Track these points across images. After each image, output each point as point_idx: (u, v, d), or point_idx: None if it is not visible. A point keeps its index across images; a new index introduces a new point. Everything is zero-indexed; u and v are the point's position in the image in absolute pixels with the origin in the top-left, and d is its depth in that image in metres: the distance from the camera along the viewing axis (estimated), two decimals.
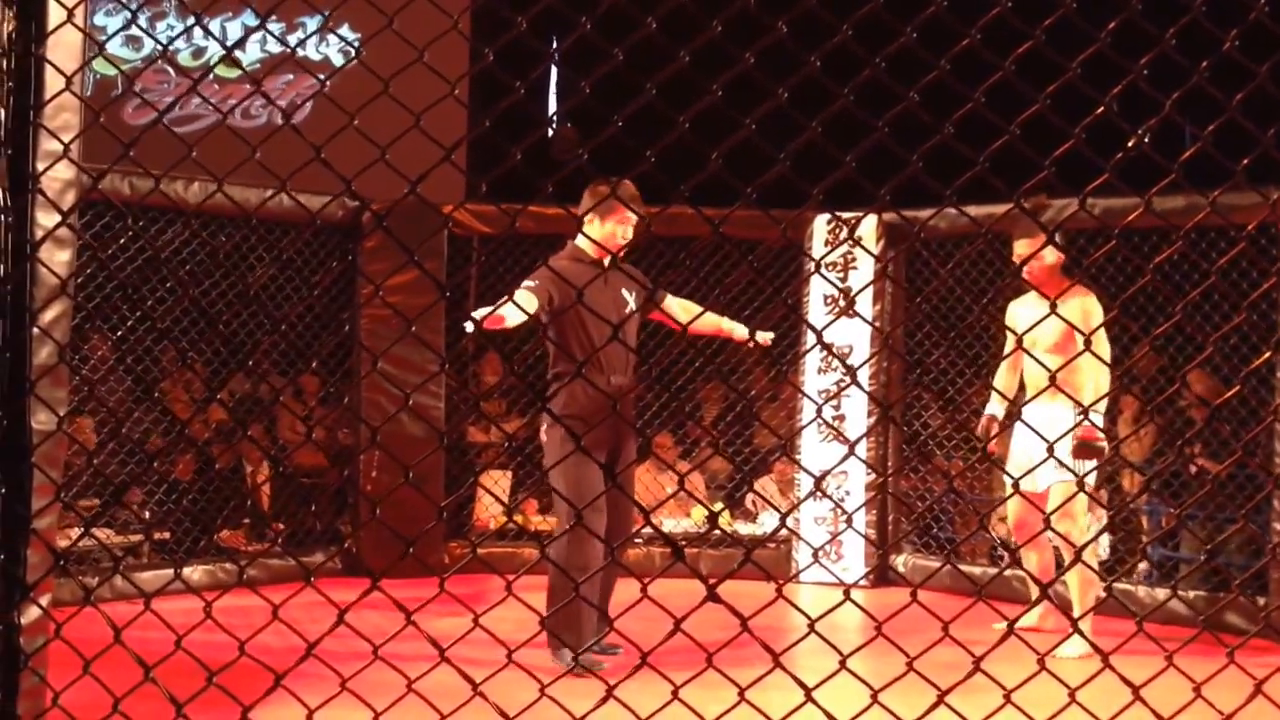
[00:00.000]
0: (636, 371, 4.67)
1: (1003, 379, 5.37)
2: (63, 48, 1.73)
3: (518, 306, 4.10)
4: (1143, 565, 6.14)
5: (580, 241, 4.59)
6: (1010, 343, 5.25)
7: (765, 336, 4.79)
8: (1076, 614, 4.79)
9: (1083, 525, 5.08)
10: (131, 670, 1.75)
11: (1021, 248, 5.04)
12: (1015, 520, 5.26)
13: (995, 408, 5.30)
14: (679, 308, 4.79)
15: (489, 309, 4.13)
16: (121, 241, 5.79)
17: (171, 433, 6.62)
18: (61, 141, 1.70)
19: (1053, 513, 4.64)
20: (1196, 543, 5.86)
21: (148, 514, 6.16)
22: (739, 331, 4.78)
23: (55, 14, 1.68)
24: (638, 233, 4.63)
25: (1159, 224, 4.64)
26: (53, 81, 1.72)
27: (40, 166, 1.69)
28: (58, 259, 1.78)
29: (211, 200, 5.80)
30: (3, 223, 1.52)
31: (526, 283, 4.45)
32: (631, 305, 4.58)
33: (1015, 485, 4.77)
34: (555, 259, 4.62)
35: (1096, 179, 1.59)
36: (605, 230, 4.53)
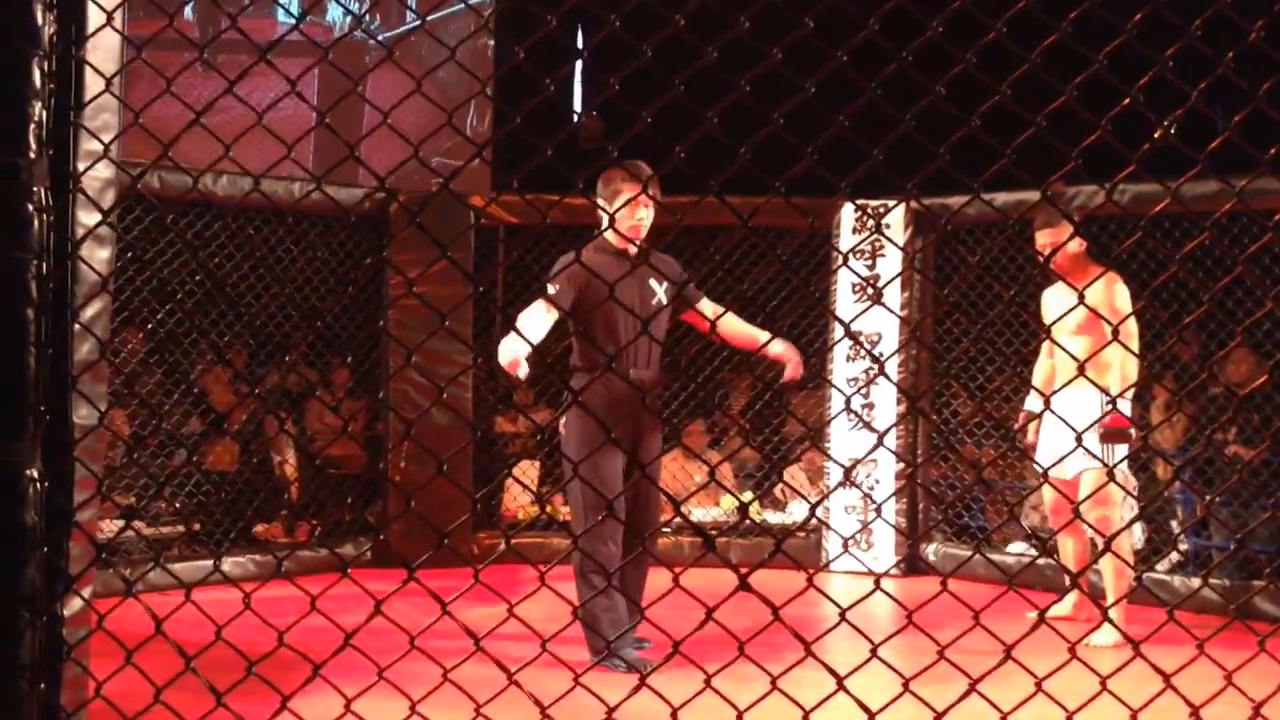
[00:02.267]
0: (663, 365, 4.58)
1: (1040, 369, 5.35)
2: (102, 50, 1.76)
3: (522, 335, 4.00)
4: (1176, 554, 6.11)
5: (607, 232, 4.47)
6: (1046, 317, 5.23)
7: (793, 361, 4.45)
8: (1109, 602, 4.78)
9: (1118, 513, 5.06)
10: (171, 660, 1.78)
11: (1043, 237, 5.00)
12: (1051, 508, 5.28)
13: (1032, 403, 5.29)
14: (712, 311, 4.57)
15: (510, 349, 4.00)
16: (151, 235, 5.84)
17: (205, 425, 6.69)
18: (101, 141, 1.73)
19: (1083, 500, 4.63)
20: (1227, 531, 5.83)
21: (178, 506, 6.23)
22: (774, 347, 4.51)
23: (94, 16, 1.71)
24: (658, 216, 4.52)
25: (1188, 211, 4.62)
26: (92, 82, 1.75)
27: (81, 166, 1.73)
28: (98, 257, 1.81)
29: (238, 192, 5.84)
30: (45, 222, 1.55)
31: (549, 287, 4.35)
32: (660, 297, 4.45)
33: (1044, 474, 4.76)
34: (584, 249, 4.51)
35: (1124, 168, 1.59)
36: (619, 218, 4.35)
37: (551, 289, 4.33)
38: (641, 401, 4.19)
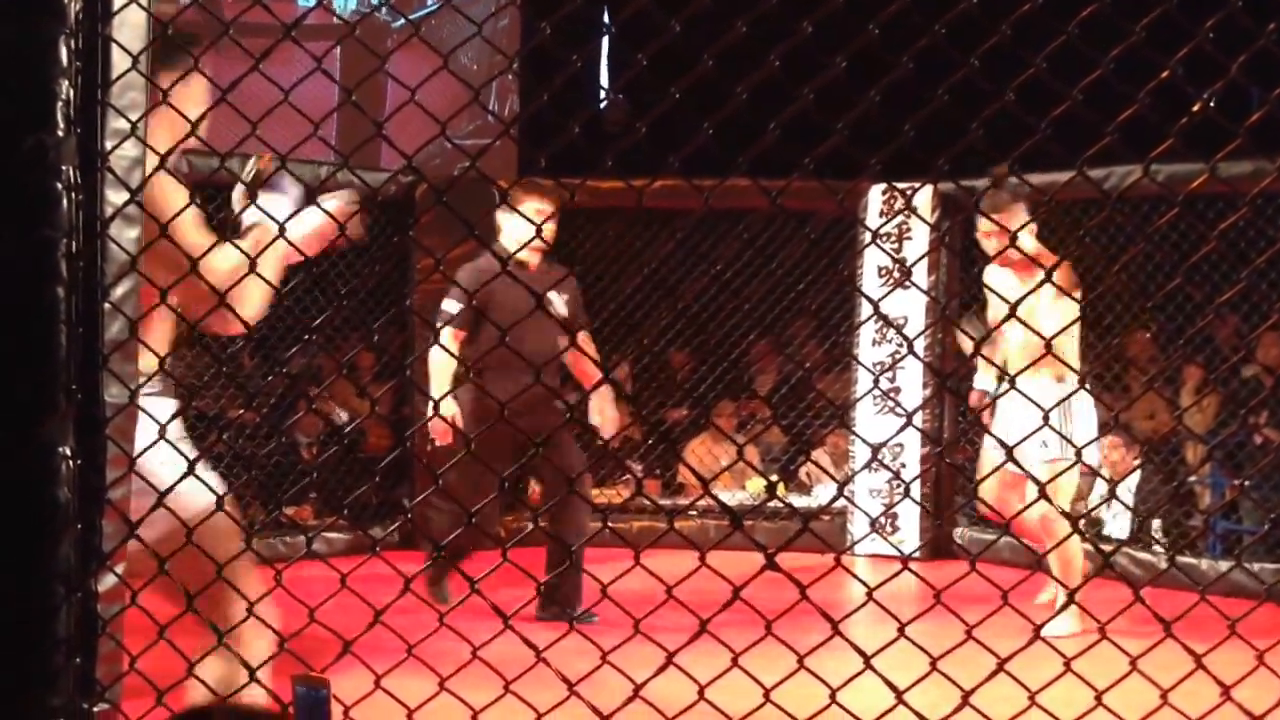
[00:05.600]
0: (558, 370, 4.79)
1: (992, 350, 5.14)
2: (128, 27, 1.76)
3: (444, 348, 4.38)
4: (1154, 532, 6.06)
5: (511, 246, 4.72)
6: (992, 308, 5.04)
7: (608, 421, 4.83)
8: (1063, 593, 4.65)
9: (1061, 504, 4.93)
10: (204, 637, 1.80)
11: (988, 223, 4.73)
12: (995, 498, 5.07)
13: (985, 381, 5.14)
14: (580, 337, 4.87)
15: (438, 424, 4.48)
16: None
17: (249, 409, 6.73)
18: (129, 120, 1.74)
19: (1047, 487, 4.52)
20: (1260, 514, 5.78)
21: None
22: (594, 404, 4.87)
23: None
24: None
25: (1225, 190, 4.54)
26: (118, 60, 1.75)
27: (108, 145, 1.73)
28: (127, 236, 1.82)
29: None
30: (73, 200, 1.55)
31: (449, 305, 4.71)
32: (558, 307, 4.69)
33: (1011, 458, 4.67)
34: (482, 261, 4.83)
35: (1159, 145, 1.57)
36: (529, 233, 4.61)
37: (451, 307, 4.68)
38: (541, 390, 4.34)
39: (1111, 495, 6.38)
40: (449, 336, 4.67)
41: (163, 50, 2.07)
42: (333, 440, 6.84)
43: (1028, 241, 4.75)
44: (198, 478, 1.82)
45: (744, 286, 7.09)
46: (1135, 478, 6.32)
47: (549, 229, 4.63)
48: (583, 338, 4.88)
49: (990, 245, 4.81)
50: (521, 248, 4.56)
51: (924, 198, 6.55)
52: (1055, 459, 4.64)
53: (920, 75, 1.59)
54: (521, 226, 4.66)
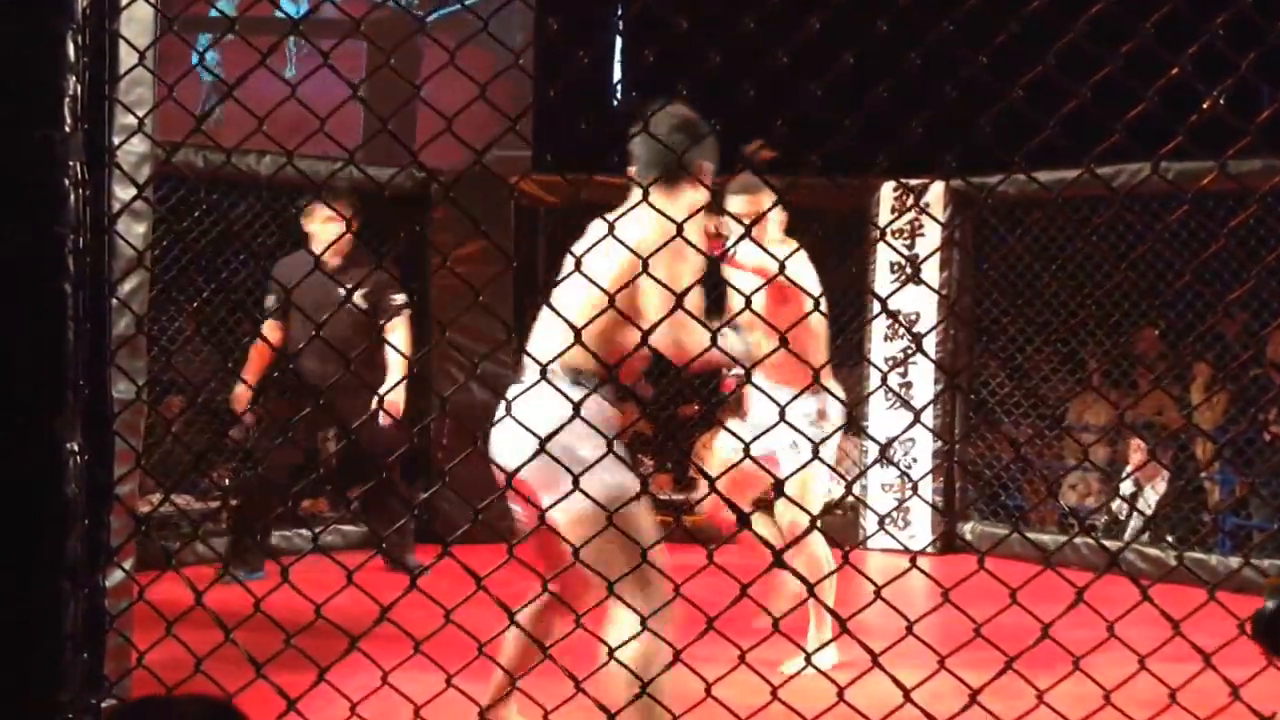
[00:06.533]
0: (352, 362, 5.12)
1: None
2: (135, 23, 1.77)
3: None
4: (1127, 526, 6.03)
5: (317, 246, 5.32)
6: (732, 298, 4.51)
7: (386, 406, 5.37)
8: (817, 619, 3.93)
9: (812, 508, 4.32)
10: (212, 632, 1.80)
11: (739, 204, 4.16)
12: (732, 483, 4.33)
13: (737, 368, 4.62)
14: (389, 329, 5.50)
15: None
16: (196, 215, 5.89)
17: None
18: (136, 115, 1.74)
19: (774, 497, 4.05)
20: (1269, 510, 5.75)
21: (226, 481, 6.29)
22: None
23: None
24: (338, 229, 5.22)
25: (1233, 188, 4.51)
26: (125, 56, 1.75)
27: (115, 140, 1.73)
28: (135, 231, 1.82)
29: (280, 173, 5.87)
30: (81, 196, 1.55)
31: (269, 298, 5.52)
32: (356, 301, 5.19)
33: (749, 455, 4.48)
34: (292, 255, 5.55)
35: (1169, 142, 1.56)
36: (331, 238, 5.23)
37: (269, 301, 5.48)
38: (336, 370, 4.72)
39: (1116, 492, 6.36)
40: (269, 326, 5.43)
41: (666, 175, 2.71)
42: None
43: (773, 229, 4.42)
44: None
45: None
46: (1162, 486, 6.27)
47: (340, 229, 5.22)
48: (390, 326, 5.47)
49: (731, 232, 4.39)
50: (328, 246, 5.09)
51: (936, 195, 6.53)
52: (805, 464, 3.94)
53: (929, 72, 1.58)
54: (331, 229, 5.27)
